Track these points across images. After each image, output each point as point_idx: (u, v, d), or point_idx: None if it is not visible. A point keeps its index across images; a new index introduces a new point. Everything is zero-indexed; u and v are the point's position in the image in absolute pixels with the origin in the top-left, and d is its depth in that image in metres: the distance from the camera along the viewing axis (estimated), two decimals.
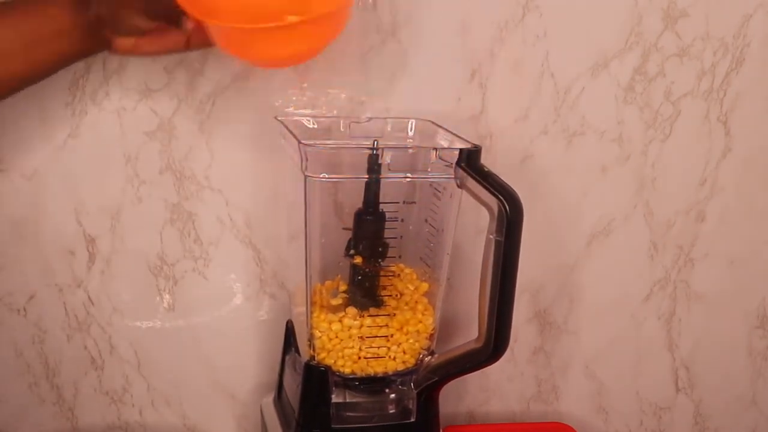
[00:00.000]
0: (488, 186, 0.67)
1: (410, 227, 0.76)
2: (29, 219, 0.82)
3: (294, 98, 0.83)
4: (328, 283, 0.77)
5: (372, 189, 0.73)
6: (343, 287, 0.76)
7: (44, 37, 0.68)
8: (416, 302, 0.76)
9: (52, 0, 0.69)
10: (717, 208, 0.96)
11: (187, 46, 0.72)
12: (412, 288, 0.77)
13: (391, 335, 0.75)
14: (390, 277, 0.76)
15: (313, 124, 0.79)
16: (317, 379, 0.74)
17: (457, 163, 0.70)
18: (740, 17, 0.89)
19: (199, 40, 0.70)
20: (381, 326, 0.75)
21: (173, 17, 0.67)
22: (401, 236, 0.76)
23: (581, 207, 0.93)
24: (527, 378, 0.99)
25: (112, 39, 0.70)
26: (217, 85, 0.81)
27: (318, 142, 0.76)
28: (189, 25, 0.67)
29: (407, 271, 0.78)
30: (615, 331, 0.99)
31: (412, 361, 0.76)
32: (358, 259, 0.74)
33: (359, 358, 0.75)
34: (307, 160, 0.68)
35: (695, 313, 1.00)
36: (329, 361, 0.74)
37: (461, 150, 0.70)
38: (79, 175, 0.82)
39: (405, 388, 0.77)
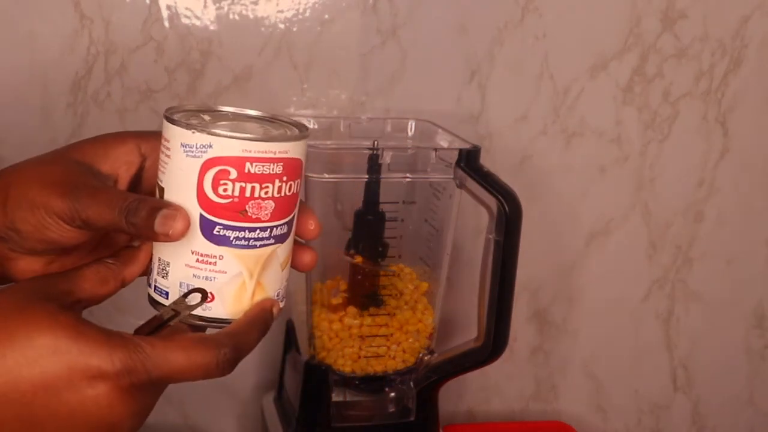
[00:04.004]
0: (487, 186, 0.68)
1: (410, 227, 0.77)
2: None
3: (294, 98, 0.83)
4: (328, 282, 0.77)
5: (372, 189, 0.73)
6: (343, 287, 0.76)
7: None
8: (416, 302, 0.77)
9: None
10: (715, 208, 0.96)
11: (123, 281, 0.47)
12: (411, 287, 0.77)
13: (391, 334, 0.75)
14: (390, 277, 0.77)
15: (313, 124, 0.79)
16: (317, 378, 0.75)
17: (457, 164, 0.71)
18: (738, 19, 0.90)
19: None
20: (381, 325, 0.75)
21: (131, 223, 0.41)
22: (401, 236, 0.76)
23: (580, 207, 0.94)
24: (526, 377, 0.99)
25: (6, 265, 0.44)
26: (218, 85, 0.81)
27: (318, 142, 0.77)
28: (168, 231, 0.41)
29: (407, 270, 0.78)
30: (614, 331, 1.00)
31: (412, 360, 0.77)
32: (358, 259, 0.75)
33: (359, 357, 0.75)
34: (307, 160, 0.68)
35: (693, 312, 1.01)
36: (329, 360, 0.75)
37: (461, 150, 0.71)
38: None
39: (405, 387, 0.77)
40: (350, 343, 0.74)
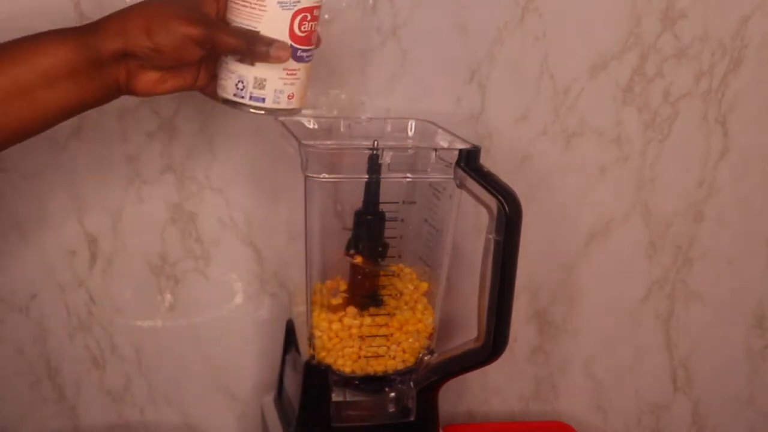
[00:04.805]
0: (487, 186, 0.68)
1: (410, 227, 0.77)
2: (31, 219, 0.83)
3: None
4: (328, 282, 0.77)
5: (372, 189, 0.73)
6: (343, 287, 0.76)
7: (34, 83, 0.58)
8: (416, 302, 0.77)
9: (45, 37, 0.60)
10: (715, 208, 0.96)
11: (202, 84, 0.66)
12: (411, 287, 0.77)
13: (391, 334, 0.75)
14: (390, 277, 0.77)
15: (313, 124, 0.79)
16: (317, 378, 0.75)
17: (457, 164, 0.71)
18: (738, 19, 0.90)
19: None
20: (381, 325, 0.75)
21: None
22: (401, 236, 0.76)
23: (580, 207, 0.94)
24: (526, 377, 0.99)
25: (133, 78, 0.62)
26: None
27: (318, 142, 0.77)
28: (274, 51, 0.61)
29: (407, 270, 0.78)
30: (614, 331, 1.00)
31: (412, 360, 0.77)
32: (358, 259, 0.75)
33: (359, 357, 0.75)
34: (307, 160, 0.68)
35: (693, 312, 1.01)
36: (329, 361, 0.75)
37: (461, 150, 0.71)
38: (81, 175, 0.82)
39: (405, 387, 0.77)
40: (350, 343, 0.74)
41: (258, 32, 0.62)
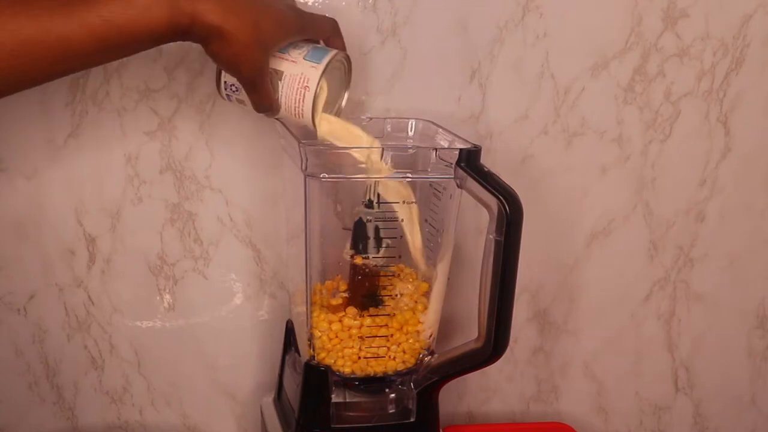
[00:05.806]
0: (488, 186, 0.67)
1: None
2: (29, 219, 0.82)
3: None
4: (328, 283, 0.77)
5: (372, 189, 0.73)
6: (343, 287, 0.76)
7: (124, 41, 0.59)
8: (416, 302, 0.76)
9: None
10: (717, 208, 0.96)
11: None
12: (412, 288, 0.77)
13: (391, 335, 0.75)
14: (390, 277, 0.76)
15: None
16: (317, 379, 0.74)
17: (457, 163, 0.70)
18: (740, 18, 0.90)
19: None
20: (381, 326, 0.75)
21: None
22: (401, 236, 0.76)
23: (581, 207, 0.93)
24: (527, 378, 0.99)
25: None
26: None
27: (318, 141, 0.76)
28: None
29: (407, 271, 0.78)
30: (615, 331, 1.00)
31: (412, 361, 0.76)
32: (358, 259, 0.74)
33: (359, 357, 0.75)
34: (307, 160, 0.68)
35: (695, 313, 1.00)
36: (329, 361, 0.75)
37: (461, 150, 0.70)
38: (80, 174, 0.82)
39: (405, 388, 0.77)
40: (350, 344, 0.74)
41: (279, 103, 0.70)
